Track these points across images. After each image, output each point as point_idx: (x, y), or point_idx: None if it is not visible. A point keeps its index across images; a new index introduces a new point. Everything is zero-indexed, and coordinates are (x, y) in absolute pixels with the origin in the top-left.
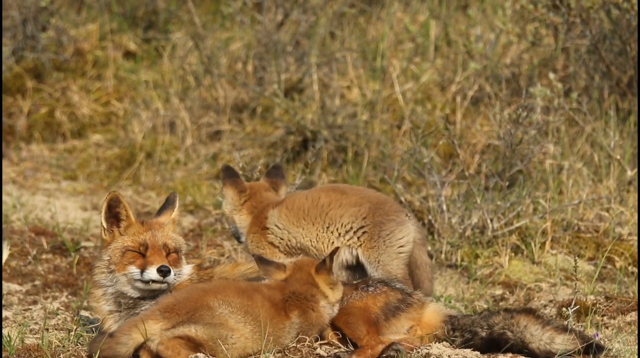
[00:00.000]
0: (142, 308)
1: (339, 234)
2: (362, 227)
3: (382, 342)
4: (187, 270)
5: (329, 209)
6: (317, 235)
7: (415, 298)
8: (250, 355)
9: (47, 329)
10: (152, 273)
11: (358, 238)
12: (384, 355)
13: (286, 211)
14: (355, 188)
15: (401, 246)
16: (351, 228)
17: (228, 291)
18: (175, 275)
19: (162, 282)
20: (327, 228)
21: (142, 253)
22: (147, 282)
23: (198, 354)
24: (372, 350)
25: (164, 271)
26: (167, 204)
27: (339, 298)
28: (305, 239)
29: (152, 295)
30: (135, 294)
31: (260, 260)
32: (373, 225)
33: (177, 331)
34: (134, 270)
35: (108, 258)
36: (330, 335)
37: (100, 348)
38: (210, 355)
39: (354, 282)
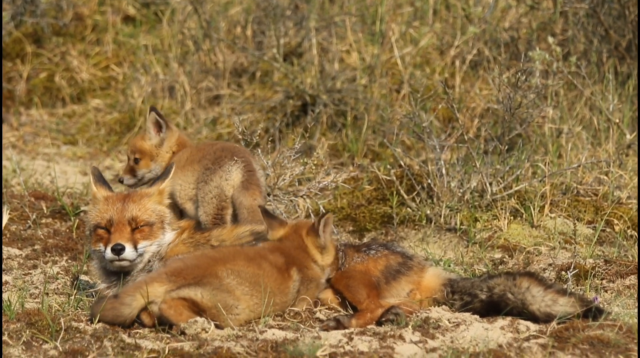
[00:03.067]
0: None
1: (192, 181)
2: (201, 174)
3: (381, 306)
4: (167, 238)
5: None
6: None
7: (415, 262)
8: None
9: (47, 293)
10: (108, 252)
11: (197, 183)
12: (383, 319)
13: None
14: (229, 146)
15: (210, 191)
16: (197, 177)
17: (237, 260)
18: (139, 248)
19: (119, 260)
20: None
21: (108, 230)
22: (110, 261)
23: (197, 318)
24: (372, 314)
25: (116, 250)
26: (163, 174)
27: (329, 263)
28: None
29: (130, 270)
30: (113, 268)
31: (266, 213)
32: (203, 171)
33: (183, 292)
34: (101, 247)
35: (88, 232)
36: (330, 298)
37: (104, 309)
38: (212, 320)
39: (356, 244)
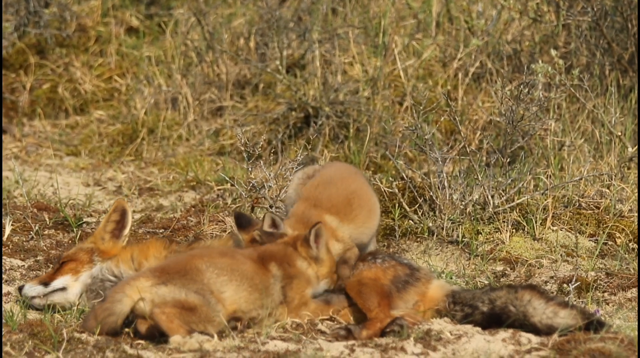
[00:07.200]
0: None
1: None
2: None
3: (390, 316)
4: (85, 277)
5: None
6: None
7: (422, 273)
8: (245, 312)
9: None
10: None
11: None
12: (387, 330)
13: None
14: None
15: None
16: None
17: (212, 254)
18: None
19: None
20: None
21: None
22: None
23: (192, 338)
24: (381, 324)
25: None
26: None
27: (325, 274)
28: None
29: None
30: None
31: (264, 233)
32: None
33: (168, 289)
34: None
35: None
36: (332, 309)
37: (96, 313)
38: (205, 320)
39: (362, 254)
